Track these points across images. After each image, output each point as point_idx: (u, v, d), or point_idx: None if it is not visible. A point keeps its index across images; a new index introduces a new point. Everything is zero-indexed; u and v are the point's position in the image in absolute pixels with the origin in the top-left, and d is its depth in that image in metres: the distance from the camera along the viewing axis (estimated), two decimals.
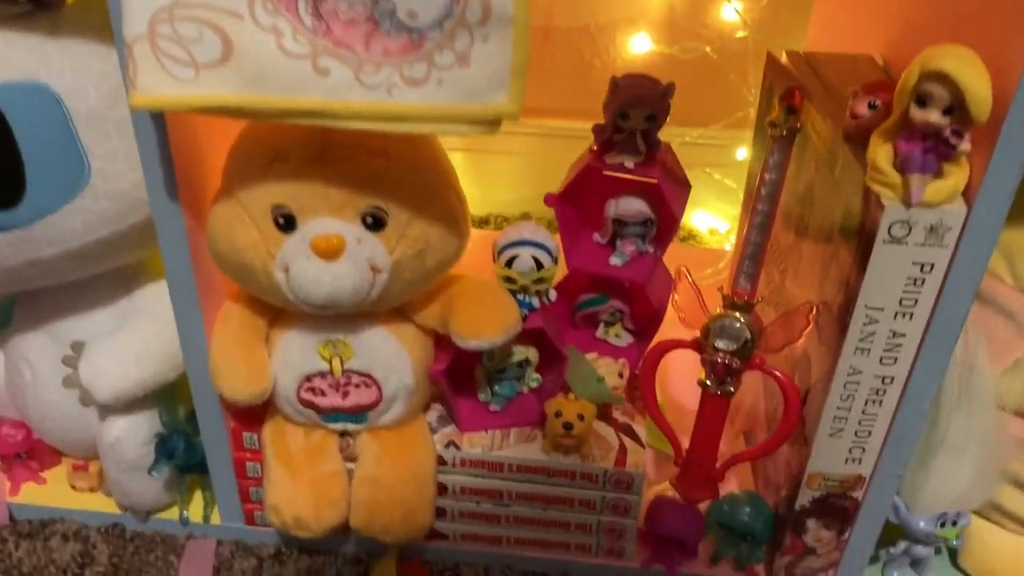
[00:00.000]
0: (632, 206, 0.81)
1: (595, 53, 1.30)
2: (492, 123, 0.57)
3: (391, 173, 0.67)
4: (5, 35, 0.69)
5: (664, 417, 0.81)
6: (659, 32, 1.26)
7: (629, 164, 0.78)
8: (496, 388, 0.84)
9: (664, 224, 0.83)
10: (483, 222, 1.39)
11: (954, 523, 0.80)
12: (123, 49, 0.57)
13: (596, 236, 0.86)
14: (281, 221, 0.67)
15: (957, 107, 0.57)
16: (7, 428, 0.89)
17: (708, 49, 1.17)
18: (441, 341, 0.80)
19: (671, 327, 0.83)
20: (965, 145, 0.58)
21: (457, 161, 0.76)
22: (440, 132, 0.57)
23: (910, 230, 0.61)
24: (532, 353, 0.82)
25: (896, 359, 0.68)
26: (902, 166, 0.60)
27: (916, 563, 0.85)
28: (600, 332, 0.92)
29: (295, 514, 0.78)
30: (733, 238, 1.31)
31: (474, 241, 0.76)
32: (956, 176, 0.60)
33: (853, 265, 0.66)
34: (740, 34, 1.18)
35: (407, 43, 0.55)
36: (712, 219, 1.37)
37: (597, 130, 0.79)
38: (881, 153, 0.61)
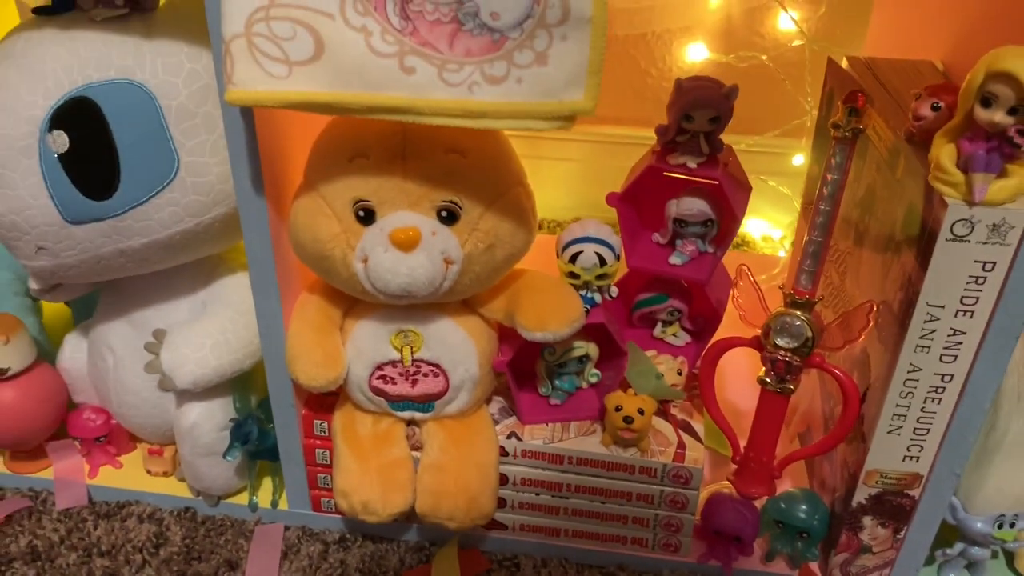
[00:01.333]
0: (693, 205, 0.83)
1: (651, 62, 1.33)
2: (568, 119, 0.59)
3: (465, 169, 0.70)
4: (104, 36, 0.73)
5: (722, 413, 0.83)
6: (715, 41, 1.28)
7: (692, 165, 0.80)
8: (556, 383, 0.86)
9: (725, 225, 0.84)
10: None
11: (1012, 525, 0.80)
12: (220, 47, 0.61)
13: (656, 236, 0.88)
14: (361, 214, 0.71)
15: (1022, 107, 0.58)
16: (88, 413, 0.93)
17: (764, 58, 1.19)
18: (505, 334, 0.82)
19: (725, 331, 0.84)
20: None
21: None
22: (518, 128, 0.60)
23: (973, 228, 0.63)
24: (592, 348, 0.84)
25: (956, 357, 0.69)
26: (966, 165, 0.61)
27: (972, 565, 0.85)
28: (658, 331, 0.94)
29: (363, 499, 0.81)
30: (787, 244, 1.32)
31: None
32: (1020, 175, 0.62)
33: (915, 264, 0.67)
34: (796, 43, 1.19)
35: (489, 43, 0.58)
36: (766, 226, 1.38)
37: (660, 131, 0.81)
38: (944, 153, 0.63)
